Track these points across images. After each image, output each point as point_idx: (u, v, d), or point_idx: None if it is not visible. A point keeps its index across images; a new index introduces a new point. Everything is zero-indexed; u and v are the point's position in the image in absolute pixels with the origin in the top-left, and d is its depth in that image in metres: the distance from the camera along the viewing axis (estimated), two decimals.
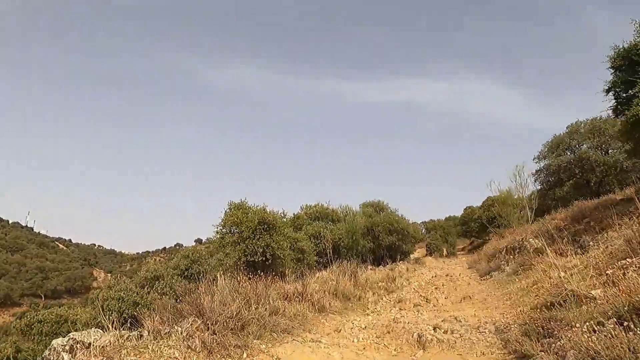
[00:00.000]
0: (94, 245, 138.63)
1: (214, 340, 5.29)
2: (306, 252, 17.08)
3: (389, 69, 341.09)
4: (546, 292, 7.07)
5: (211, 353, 5.17)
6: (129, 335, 5.04)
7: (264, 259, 13.29)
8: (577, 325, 4.29)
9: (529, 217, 23.99)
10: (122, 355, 4.66)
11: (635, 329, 3.66)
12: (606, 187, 24.01)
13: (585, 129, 25.95)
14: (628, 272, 5.70)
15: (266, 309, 6.99)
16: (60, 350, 4.85)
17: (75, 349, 4.83)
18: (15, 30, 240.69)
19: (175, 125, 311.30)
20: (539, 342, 4.78)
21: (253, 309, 6.68)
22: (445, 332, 6.52)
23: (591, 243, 10.10)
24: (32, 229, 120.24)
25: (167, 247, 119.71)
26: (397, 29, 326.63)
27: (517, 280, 10.96)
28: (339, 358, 5.85)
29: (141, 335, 5.12)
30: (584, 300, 5.73)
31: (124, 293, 15.11)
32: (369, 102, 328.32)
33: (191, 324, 5.43)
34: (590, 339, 3.77)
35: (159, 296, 15.98)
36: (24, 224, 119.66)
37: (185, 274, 18.63)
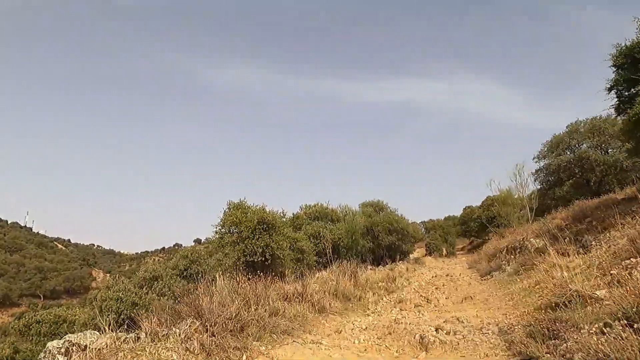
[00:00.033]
0: (93, 245, 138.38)
1: (213, 342, 5.19)
2: (306, 252, 16.98)
3: (388, 69, 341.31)
4: (550, 293, 6.97)
5: (210, 355, 5.07)
6: (126, 338, 4.94)
7: (263, 259, 13.19)
8: (585, 326, 4.19)
9: (529, 217, 23.89)
10: (119, 358, 4.56)
11: None
12: (606, 187, 23.97)
13: (585, 129, 25.88)
14: (634, 273, 5.61)
15: (266, 309, 6.89)
16: (56, 352, 4.75)
17: (71, 351, 4.73)
18: (15, 30, 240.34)
19: (175, 125, 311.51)
20: (544, 343, 4.68)
21: (252, 310, 6.58)
22: (448, 333, 6.43)
23: (593, 242, 10.02)
24: (31, 229, 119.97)
25: (166, 247, 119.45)
26: (397, 29, 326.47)
27: (518, 280, 10.86)
28: None
29: (138, 338, 5.02)
30: (588, 301, 5.64)
31: (122, 293, 15.00)
32: (369, 102, 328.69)
33: (189, 326, 5.32)
34: (599, 341, 3.67)
35: (157, 297, 15.89)
36: (22, 224, 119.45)
37: (184, 274, 18.54)
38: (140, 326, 5.38)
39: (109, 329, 5.03)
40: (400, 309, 10.10)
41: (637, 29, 10.82)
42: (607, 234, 9.96)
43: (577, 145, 26.51)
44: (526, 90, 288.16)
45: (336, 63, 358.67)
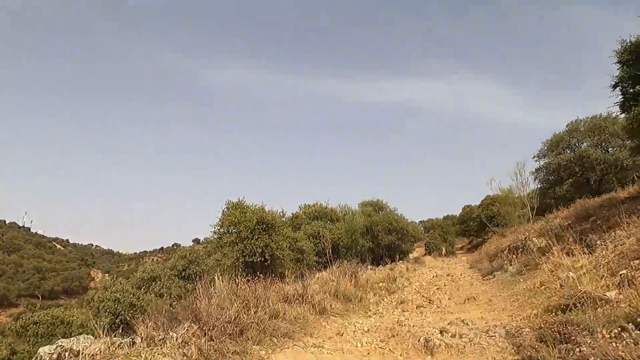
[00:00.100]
0: (92, 245, 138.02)
1: (211, 347, 5.00)
2: (305, 252, 16.81)
3: (388, 69, 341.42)
4: (557, 294, 6.79)
5: None
6: (121, 342, 4.74)
7: (262, 259, 13.01)
8: (598, 330, 4.01)
9: (530, 216, 23.75)
10: None
11: None
12: (606, 186, 23.87)
13: (585, 127, 25.72)
14: None
15: (266, 312, 6.70)
16: (48, 358, 4.57)
17: (64, 357, 4.55)
18: (15, 30, 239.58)
19: (175, 125, 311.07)
20: (555, 348, 4.50)
21: (252, 312, 6.40)
22: (453, 336, 6.24)
23: (598, 242, 9.84)
24: (29, 229, 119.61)
25: (164, 247, 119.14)
26: (397, 29, 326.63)
27: (521, 280, 10.70)
28: None
29: (134, 342, 4.83)
30: (598, 303, 5.47)
31: (120, 294, 14.85)
32: (369, 102, 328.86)
33: (187, 330, 5.14)
34: (618, 346, 3.49)
35: (155, 297, 15.72)
36: (20, 224, 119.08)
37: (183, 274, 18.38)
38: (135, 330, 5.19)
39: (103, 333, 4.84)
40: (402, 310, 9.93)
41: None
42: (613, 234, 9.78)
43: (577, 144, 26.35)
44: (526, 90, 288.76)
45: (336, 63, 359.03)
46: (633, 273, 5.89)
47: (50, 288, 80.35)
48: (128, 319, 6.54)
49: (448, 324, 7.23)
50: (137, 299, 14.71)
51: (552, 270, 8.49)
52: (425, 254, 36.22)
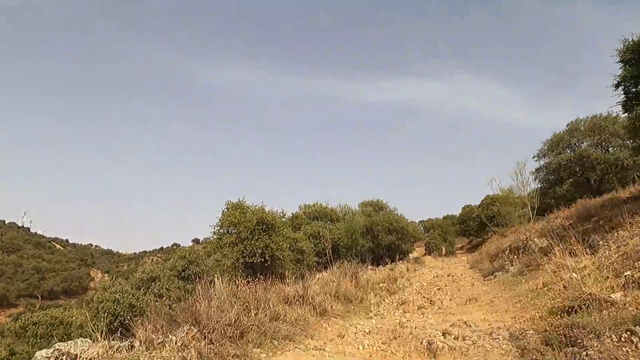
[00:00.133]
0: (91, 245, 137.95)
1: (211, 350, 4.92)
2: (306, 252, 16.73)
3: (388, 69, 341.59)
4: (560, 295, 6.72)
5: None
6: (119, 346, 4.66)
7: (262, 260, 12.93)
8: (604, 333, 3.94)
9: (531, 216, 23.68)
10: None
11: None
12: (606, 185, 23.82)
13: (586, 127, 25.67)
14: None
15: (266, 314, 6.62)
16: None
17: None
18: (15, 30, 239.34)
19: (175, 125, 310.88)
20: (561, 351, 4.43)
21: (252, 314, 6.31)
22: (456, 338, 6.17)
23: (601, 242, 9.77)
24: (29, 229, 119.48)
25: (164, 247, 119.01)
26: (397, 29, 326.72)
27: (523, 281, 10.64)
28: None
29: (132, 346, 4.75)
30: (603, 305, 5.39)
31: (119, 295, 14.76)
32: (369, 102, 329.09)
33: (186, 333, 5.06)
34: (627, 350, 3.41)
35: (155, 298, 15.63)
36: (20, 224, 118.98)
37: (182, 275, 18.27)
38: (134, 333, 5.11)
39: (101, 336, 4.76)
40: (404, 311, 9.86)
41: None
42: (615, 234, 9.70)
43: (577, 144, 26.29)
44: (526, 90, 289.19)
45: (336, 63, 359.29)
46: (638, 274, 5.82)
47: (50, 288, 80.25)
48: (127, 321, 6.43)
49: (450, 325, 7.16)
50: (137, 299, 14.61)
51: (555, 271, 8.40)
52: (425, 254, 36.14)
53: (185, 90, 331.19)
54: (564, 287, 6.87)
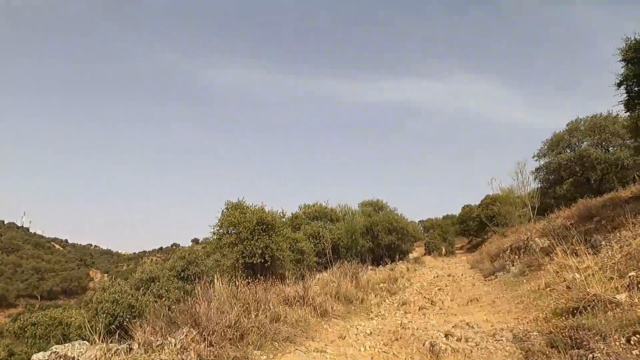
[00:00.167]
0: (91, 245, 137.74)
1: (211, 353, 4.85)
2: (306, 252, 16.66)
3: (388, 69, 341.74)
4: (564, 296, 6.65)
5: None
6: (117, 349, 4.58)
7: (262, 260, 12.85)
8: (615, 336, 3.87)
9: (531, 216, 23.63)
10: None
11: None
12: (606, 185, 23.77)
13: (586, 127, 25.63)
14: None
15: (266, 315, 6.54)
16: None
17: None
18: (15, 30, 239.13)
19: (175, 125, 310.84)
20: (567, 353, 4.35)
21: (253, 316, 6.24)
22: (459, 339, 6.09)
23: (603, 243, 9.70)
24: (28, 230, 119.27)
25: (164, 247, 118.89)
26: (397, 29, 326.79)
27: (525, 281, 10.56)
28: None
29: (131, 349, 4.67)
30: (608, 306, 5.32)
31: (118, 295, 14.69)
32: (369, 102, 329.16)
33: (186, 335, 4.98)
34: (637, 354, 3.34)
35: (154, 298, 15.56)
36: (19, 224, 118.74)
37: (182, 275, 18.19)
38: (133, 335, 5.03)
39: (99, 339, 4.69)
40: (405, 312, 9.78)
41: None
42: (618, 234, 9.62)
43: (577, 144, 26.24)
44: (526, 90, 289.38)
45: (336, 63, 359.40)
46: None
47: (49, 288, 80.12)
48: (126, 322, 6.33)
49: (453, 327, 7.08)
50: (136, 300, 14.54)
51: (557, 272, 8.34)
52: (425, 254, 36.08)
53: (185, 90, 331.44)
54: (568, 287, 6.80)
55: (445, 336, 6.35)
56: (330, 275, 12.60)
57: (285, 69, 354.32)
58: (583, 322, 4.90)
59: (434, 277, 18.05)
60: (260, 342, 5.71)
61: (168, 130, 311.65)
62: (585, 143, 25.54)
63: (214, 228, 13.97)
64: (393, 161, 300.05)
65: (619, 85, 11.22)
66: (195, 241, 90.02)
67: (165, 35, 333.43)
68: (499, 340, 5.77)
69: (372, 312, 10.02)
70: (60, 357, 4.41)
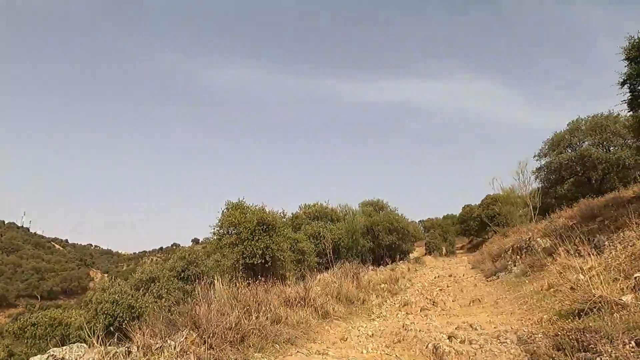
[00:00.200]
0: (91, 245, 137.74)
1: (211, 356, 4.77)
2: (306, 253, 16.59)
3: (388, 69, 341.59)
4: (568, 298, 6.56)
5: None
6: (116, 352, 4.51)
7: (263, 261, 12.77)
8: (623, 339, 3.79)
9: (533, 216, 23.55)
10: None
11: None
12: (607, 185, 23.68)
13: (587, 126, 25.53)
14: None
15: (267, 317, 6.46)
16: None
17: None
18: (15, 30, 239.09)
19: (175, 125, 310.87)
20: (573, 356, 4.27)
21: (253, 318, 6.17)
22: (462, 342, 6.00)
23: (606, 243, 9.62)
24: (28, 230, 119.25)
25: (164, 247, 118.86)
26: (397, 29, 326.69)
27: (527, 282, 10.48)
28: None
29: (129, 352, 4.59)
30: (614, 308, 5.25)
31: (118, 296, 14.63)
32: (369, 102, 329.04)
33: (186, 338, 4.90)
34: None
35: (154, 299, 15.50)
36: (19, 224, 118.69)
37: (182, 275, 18.13)
38: (132, 338, 4.95)
39: (97, 342, 4.61)
40: (406, 313, 9.70)
41: None
42: (621, 234, 9.55)
43: (578, 143, 26.15)
44: (526, 90, 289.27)
45: (336, 63, 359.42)
46: None
47: (49, 288, 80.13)
48: (124, 325, 6.23)
49: (456, 328, 7.00)
50: (136, 300, 14.48)
51: (561, 272, 8.24)
52: (425, 254, 36.01)
53: (185, 90, 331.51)
54: (572, 289, 6.72)
55: (448, 338, 6.27)
56: (331, 276, 12.53)
57: (285, 69, 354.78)
58: (590, 324, 4.83)
59: (435, 278, 17.98)
60: (261, 344, 5.64)
61: (168, 130, 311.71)
62: (586, 143, 25.45)
63: (214, 228, 13.91)
64: (393, 161, 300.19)
65: (623, 84, 11.13)
66: (196, 241, 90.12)
67: (165, 35, 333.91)
68: (503, 342, 5.68)
69: (373, 313, 9.95)
70: None
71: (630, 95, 11.07)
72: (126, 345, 4.72)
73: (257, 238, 12.89)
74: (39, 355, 4.47)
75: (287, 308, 7.65)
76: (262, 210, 14.09)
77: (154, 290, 16.36)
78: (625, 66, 11.04)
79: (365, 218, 25.25)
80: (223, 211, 14.10)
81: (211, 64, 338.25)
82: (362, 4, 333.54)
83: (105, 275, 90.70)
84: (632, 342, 3.67)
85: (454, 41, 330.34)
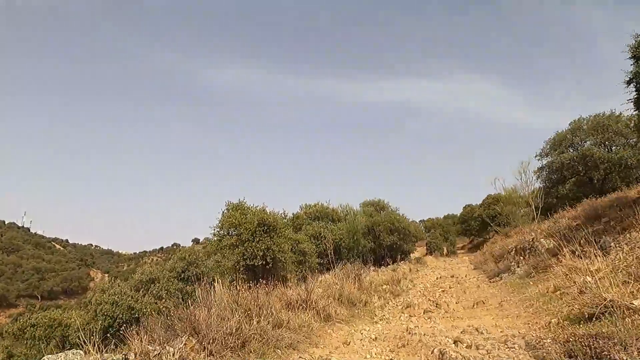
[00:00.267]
0: (91, 245, 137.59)
1: None
2: (307, 253, 16.44)
3: (388, 69, 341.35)
4: (576, 301, 6.41)
5: None
6: (112, 359, 4.37)
7: (264, 262, 12.63)
8: (636, 345, 3.64)
9: (535, 216, 23.40)
10: None
11: None
12: (609, 184, 23.53)
13: (589, 126, 25.37)
14: None
15: (269, 321, 6.31)
16: None
17: None
18: (15, 30, 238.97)
19: (175, 125, 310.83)
20: None
21: (254, 322, 6.02)
22: (469, 347, 5.85)
23: (612, 244, 9.46)
24: (29, 230, 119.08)
25: (164, 247, 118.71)
26: (397, 29, 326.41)
27: (532, 283, 10.34)
28: None
29: (127, 359, 4.45)
30: (626, 312, 5.10)
31: (118, 297, 14.50)
32: (369, 102, 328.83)
33: (185, 344, 4.76)
34: None
35: (154, 300, 15.35)
36: (20, 224, 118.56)
37: (182, 276, 17.99)
38: (129, 344, 4.81)
39: (93, 349, 4.47)
40: (409, 315, 9.56)
41: None
42: (628, 235, 9.40)
43: (580, 143, 26.00)
44: (526, 90, 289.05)
45: (336, 63, 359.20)
46: None
47: (50, 288, 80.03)
48: (123, 329, 6.10)
49: (461, 332, 6.85)
50: (135, 301, 14.34)
51: (567, 274, 8.08)
52: (426, 254, 35.86)
53: (185, 90, 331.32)
54: (580, 292, 6.56)
55: (454, 343, 6.12)
56: (332, 277, 12.39)
57: (285, 69, 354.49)
58: (603, 330, 4.67)
59: (437, 278, 17.84)
60: (263, 349, 5.50)
61: (168, 130, 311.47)
62: (588, 142, 25.30)
63: (214, 229, 13.77)
64: (393, 161, 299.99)
65: (629, 82, 10.95)
66: (196, 241, 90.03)
67: (165, 35, 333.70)
68: (511, 347, 5.53)
69: (376, 315, 9.81)
70: None
71: (636, 94, 10.89)
72: (123, 353, 4.58)
73: (257, 239, 12.75)
74: None
75: (289, 311, 7.51)
76: (263, 211, 13.95)
77: (154, 291, 16.22)
78: (631, 64, 10.86)
79: (366, 218, 25.12)
80: (223, 212, 13.96)
81: (211, 64, 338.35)
82: (362, 4, 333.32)
83: (106, 275, 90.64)
84: None
85: (454, 41, 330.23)
